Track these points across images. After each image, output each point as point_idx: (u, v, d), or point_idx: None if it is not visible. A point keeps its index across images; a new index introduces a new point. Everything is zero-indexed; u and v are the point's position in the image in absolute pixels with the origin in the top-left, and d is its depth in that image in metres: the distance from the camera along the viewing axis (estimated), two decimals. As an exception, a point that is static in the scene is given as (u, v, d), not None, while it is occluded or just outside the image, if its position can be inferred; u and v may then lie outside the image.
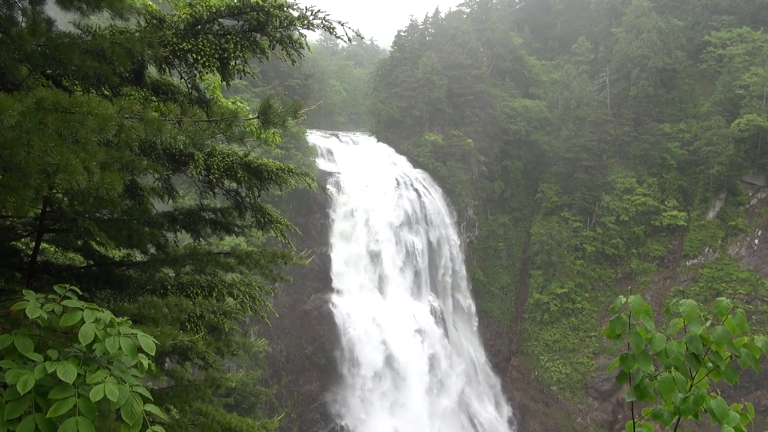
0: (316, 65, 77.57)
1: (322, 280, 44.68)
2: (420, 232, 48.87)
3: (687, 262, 53.21)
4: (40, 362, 3.20)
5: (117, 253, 8.95)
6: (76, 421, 3.06)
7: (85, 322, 3.38)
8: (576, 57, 71.62)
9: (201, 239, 8.97)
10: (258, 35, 6.75)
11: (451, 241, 52.27)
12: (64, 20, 5.95)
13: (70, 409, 3.08)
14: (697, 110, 59.38)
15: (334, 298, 44.07)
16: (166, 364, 9.15)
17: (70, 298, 3.58)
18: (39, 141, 3.77)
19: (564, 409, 51.29)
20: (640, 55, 59.92)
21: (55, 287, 3.64)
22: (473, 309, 54.46)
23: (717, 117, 54.38)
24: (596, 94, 62.05)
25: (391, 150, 57.55)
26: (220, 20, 6.65)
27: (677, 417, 3.55)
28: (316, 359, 42.73)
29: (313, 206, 46.32)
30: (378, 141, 60.31)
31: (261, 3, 6.42)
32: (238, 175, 8.30)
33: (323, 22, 6.61)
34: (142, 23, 6.47)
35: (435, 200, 52.22)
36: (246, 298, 8.80)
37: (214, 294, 8.44)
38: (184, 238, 9.09)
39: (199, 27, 6.51)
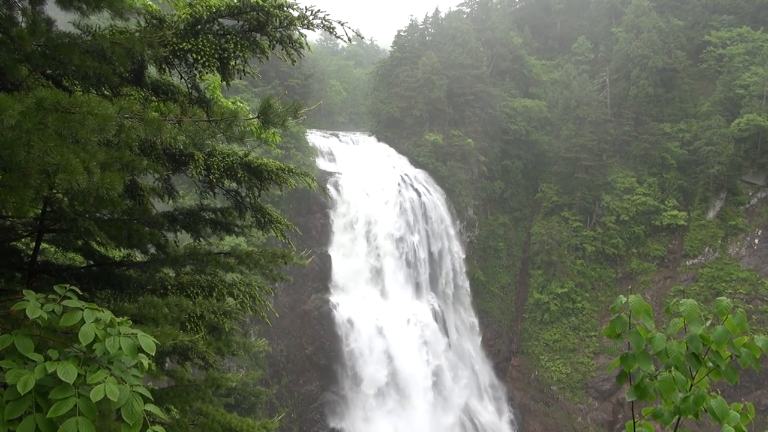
0: (316, 65, 77.57)
1: (322, 280, 44.68)
2: (420, 231, 48.88)
3: (687, 262, 53.21)
4: (41, 362, 3.20)
5: (117, 253, 8.94)
6: (77, 421, 3.06)
7: (85, 322, 3.38)
8: (576, 57, 71.62)
9: (201, 239, 8.97)
10: (258, 35, 6.74)
11: (451, 241, 52.27)
12: (64, 20, 5.95)
13: (70, 409, 3.08)
14: (697, 110, 59.38)
15: (334, 299, 44.06)
16: (167, 364, 9.15)
17: (70, 298, 3.58)
18: (39, 141, 3.77)
19: (564, 409, 51.29)
20: (640, 55, 59.92)
21: (56, 287, 3.64)
22: (473, 309, 54.46)
23: (717, 117, 54.38)
24: (596, 93, 62.05)
25: (392, 150, 57.53)
26: (220, 20, 6.64)
27: (677, 417, 3.55)
28: (316, 359, 42.73)
29: (313, 206, 46.33)
30: (378, 141, 60.33)
31: (261, 3, 6.42)
32: (238, 175, 8.30)
33: (323, 22, 6.61)
34: (142, 23, 6.47)
35: (435, 200, 52.22)
36: (246, 298, 8.80)
37: (215, 294, 8.44)
38: (185, 238, 9.09)
39: (199, 27, 6.51)
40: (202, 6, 6.46)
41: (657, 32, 60.86)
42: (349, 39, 6.75)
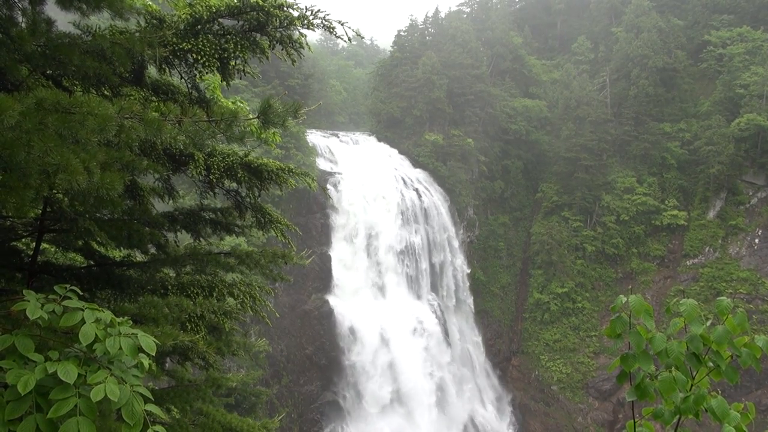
0: (316, 65, 77.57)
1: (322, 279, 44.69)
2: (420, 231, 48.89)
3: (687, 262, 53.20)
4: (41, 362, 3.20)
5: (117, 254, 8.95)
6: (77, 421, 3.06)
7: (85, 323, 3.38)
8: (576, 56, 71.62)
9: (201, 239, 8.98)
10: (258, 35, 6.75)
11: (452, 240, 52.27)
12: (64, 20, 5.95)
13: (71, 410, 3.08)
14: (697, 110, 59.37)
15: (334, 302, 44.03)
16: (167, 364, 9.15)
17: (70, 298, 3.58)
18: (39, 141, 3.77)
19: (564, 409, 51.29)
20: (640, 55, 59.91)
21: (56, 287, 3.64)
22: (473, 309, 54.46)
23: (717, 116, 54.36)
24: (596, 93, 62.04)
25: (393, 151, 57.52)
26: (220, 20, 6.65)
27: (678, 416, 3.55)
28: (316, 359, 42.73)
29: (313, 206, 46.34)
30: (378, 141, 60.33)
31: (261, 3, 6.42)
32: (239, 175, 8.30)
33: (323, 21, 6.61)
34: (142, 23, 6.47)
35: (435, 200, 52.23)
36: (246, 298, 8.80)
37: (215, 294, 8.44)
38: (185, 238, 9.09)
39: (199, 27, 6.51)
40: (202, 6, 6.46)
41: (657, 32, 60.85)
42: (349, 39, 6.75)
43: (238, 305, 8.75)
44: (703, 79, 61.98)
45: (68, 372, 3.15)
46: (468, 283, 53.99)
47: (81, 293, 3.80)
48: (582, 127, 58.53)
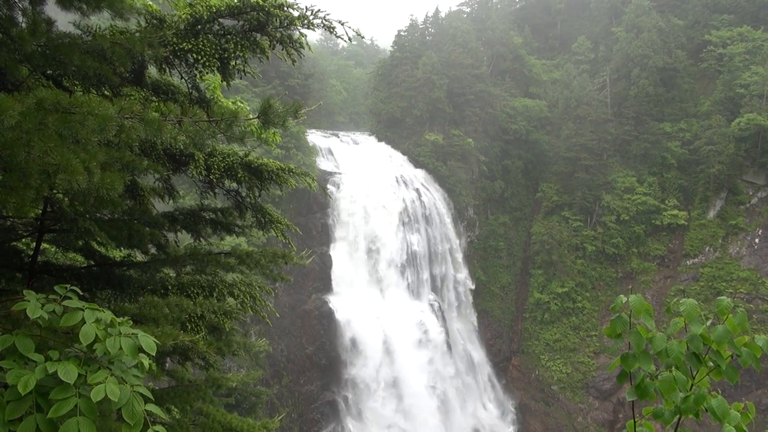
0: (317, 65, 77.59)
1: (322, 279, 44.69)
2: (420, 231, 48.88)
3: (687, 262, 53.19)
4: (41, 362, 3.20)
5: (117, 254, 8.95)
6: (77, 422, 3.06)
7: (85, 323, 3.38)
8: (576, 56, 71.60)
9: (201, 239, 8.98)
10: (258, 35, 6.75)
11: (452, 240, 52.27)
12: (64, 20, 5.95)
13: (71, 410, 3.08)
14: (697, 109, 59.36)
15: (335, 303, 44.00)
16: (167, 364, 9.15)
17: (70, 298, 3.58)
18: (39, 141, 3.77)
19: (565, 409, 51.29)
20: (641, 55, 59.90)
21: (56, 287, 3.64)
22: (474, 308, 54.46)
23: (717, 116, 54.35)
24: (596, 93, 62.03)
25: (393, 151, 57.52)
26: (221, 20, 6.65)
27: (678, 416, 3.55)
28: (316, 359, 42.74)
29: (313, 206, 46.34)
30: (378, 141, 60.33)
31: (261, 3, 6.42)
32: (239, 175, 8.30)
33: (323, 21, 6.61)
34: (143, 23, 6.47)
35: (435, 200, 52.23)
36: (247, 298, 8.80)
37: (215, 294, 8.44)
38: (185, 239, 9.09)
39: (199, 27, 6.51)
40: (202, 6, 6.46)
41: (657, 32, 60.84)
42: (350, 39, 6.75)
43: (239, 305, 8.75)
44: (703, 79, 61.97)
45: (68, 372, 3.15)
46: (468, 283, 54.00)
47: (81, 293, 3.80)
48: (582, 126, 58.53)
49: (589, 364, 51.97)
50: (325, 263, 44.92)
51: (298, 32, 6.86)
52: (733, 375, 3.51)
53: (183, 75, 6.96)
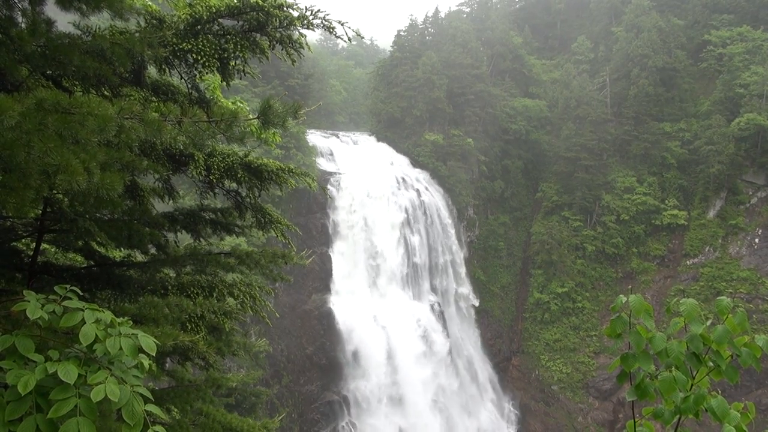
0: (316, 65, 77.59)
1: (322, 279, 44.68)
2: (420, 231, 48.88)
3: (687, 261, 53.19)
4: (41, 363, 3.20)
5: (117, 254, 8.95)
6: (78, 422, 3.06)
7: (85, 323, 3.38)
8: (576, 56, 71.61)
9: (201, 239, 8.98)
10: (258, 35, 6.75)
11: (452, 240, 52.27)
12: (64, 21, 5.95)
13: (71, 410, 3.08)
14: (697, 109, 59.37)
15: (334, 302, 43.96)
16: (167, 365, 9.15)
17: (70, 298, 3.58)
18: (39, 142, 3.77)
19: (565, 409, 51.29)
20: (640, 54, 59.91)
21: (56, 288, 3.64)
22: (474, 308, 54.46)
23: (717, 116, 54.36)
24: (596, 93, 62.04)
25: (398, 156, 57.38)
26: (220, 20, 6.65)
27: (678, 416, 3.55)
28: (316, 359, 42.74)
29: (313, 206, 46.34)
30: (378, 141, 60.33)
31: (261, 3, 6.42)
32: (239, 176, 8.30)
33: (323, 22, 6.61)
34: (142, 24, 6.47)
35: (435, 200, 52.23)
36: (246, 298, 8.80)
37: (215, 294, 8.44)
38: (185, 239, 9.09)
39: (199, 27, 6.51)
40: (202, 6, 6.46)
41: (657, 32, 60.84)
42: (349, 39, 6.75)
43: (238, 305, 8.75)
44: (703, 79, 61.97)
45: (68, 372, 3.15)
46: (468, 282, 54.01)
47: (81, 293, 3.80)
48: (582, 126, 58.54)
49: (589, 364, 51.98)
50: (325, 263, 44.92)
51: (297, 32, 6.86)
52: (733, 375, 3.51)
53: (183, 75, 6.96)
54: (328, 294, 44.38)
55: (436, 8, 71.34)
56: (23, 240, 7.77)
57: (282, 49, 6.92)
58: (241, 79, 7.74)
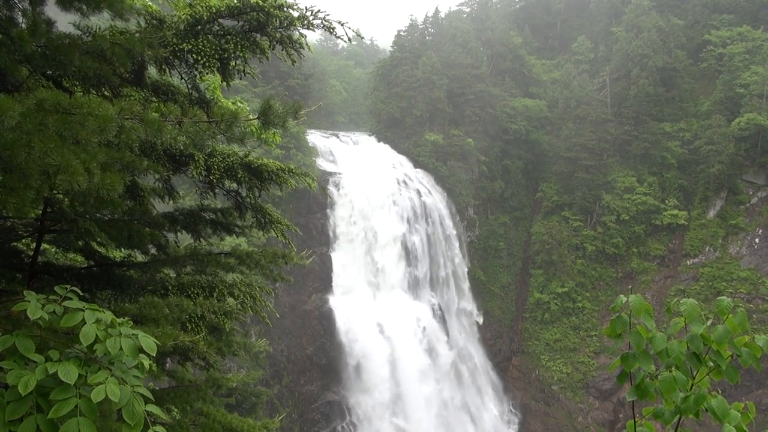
0: (316, 65, 77.59)
1: (322, 280, 44.68)
2: (420, 232, 48.86)
3: (688, 261, 53.19)
4: (42, 363, 3.20)
5: (118, 254, 8.95)
6: (78, 422, 3.06)
7: (86, 323, 3.39)
8: (576, 56, 71.62)
9: (201, 240, 8.98)
10: (258, 35, 6.75)
11: (452, 240, 52.25)
12: (64, 21, 5.95)
13: (71, 410, 3.08)
14: (697, 109, 59.37)
15: (334, 303, 43.91)
16: (167, 365, 9.16)
17: (71, 298, 3.58)
18: (39, 142, 3.77)
19: (565, 409, 51.29)
20: (640, 54, 59.91)
21: (56, 288, 3.64)
22: (474, 308, 54.45)
23: (717, 116, 54.36)
24: (596, 93, 62.03)
25: (393, 151, 57.45)
26: (220, 21, 6.65)
27: (678, 416, 3.55)
28: (316, 359, 42.75)
29: (313, 206, 46.33)
30: (378, 141, 60.31)
31: (261, 3, 6.42)
32: (239, 176, 8.31)
33: (323, 22, 6.62)
34: (142, 24, 6.48)
35: (435, 200, 52.22)
36: (247, 299, 8.80)
37: (215, 294, 8.44)
38: (185, 239, 9.09)
39: (199, 27, 6.52)
40: (202, 6, 6.47)
41: (657, 31, 60.84)
42: (349, 39, 6.75)
43: (239, 305, 8.75)
44: (703, 79, 61.97)
45: (69, 372, 3.16)
46: (468, 283, 54.00)
47: (81, 294, 3.80)
48: (582, 126, 58.54)
49: (589, 364, 51.98)
50: (325, 263, 44.92)
51: (297, 33, 6.87)
52: (733, 375, 3.51)
53: (183, 75, 6.97)
54: (328, 294, 44.37)
55: (436, 8, 71.33)
56: (23, 240, 7.77)
57: (282, 50, 6.93)
58: (241, 79, 7.74)
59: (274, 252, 8.88)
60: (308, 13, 6.61)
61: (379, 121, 62.59)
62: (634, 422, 3.83)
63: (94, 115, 4.04)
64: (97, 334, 3.36)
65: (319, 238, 45.28)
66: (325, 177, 46.80)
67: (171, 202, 8.85)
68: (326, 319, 43.02)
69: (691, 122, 58.41)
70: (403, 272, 47.11)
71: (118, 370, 3.38)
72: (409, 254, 47.48)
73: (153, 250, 8.32)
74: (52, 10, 5.75)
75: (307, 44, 7.02)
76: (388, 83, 63.70)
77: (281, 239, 9.27)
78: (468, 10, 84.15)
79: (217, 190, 8.67)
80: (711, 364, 3.52)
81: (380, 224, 46.65)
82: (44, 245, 7.98)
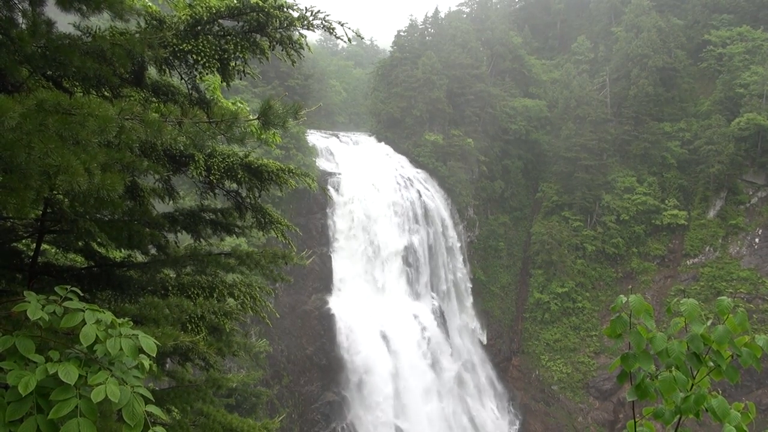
0: (316, 65, 77.60)
1: (322, 280, 44.67)
2: (420, 232, 48.86)
3: (688, 261, 53.19)
4: (42, 363, 3.21)
5: (118, 254, 8.95)
6: (78, 422, 3.06)
7: (86, 323, 3.39)
8: (576, 56, 71.62)
9: (202, 240, 8.98)
10: (258, 36, 6.75)
11: (452, 240, 52.25)
12: (64, 21, 5.95)
13: (71, 410, 3.08)
14: (697, 109, 59.37)
15: (334, 303, 43.90)
16: (167, 365, 9.16)
17: (71, 299, 3.58)
18: (40, 142, 3.77)
19: (565, 409, 51.28)
20: (640, 54, 59.92)
21: (56, 288, 3.64)
22: (474, 308, 54.45)
23: (717, 116, 54.37)
24: (596, 93, 62.03)
25: (393, 151, 57.41)
26: (220, 21, 6.65)
27: (678, 416, 3.55)
28: (316, 359, 42.74)
29: (313, 206, 46.34)
30: (378, 141, 60.31)
31: (261, 4, 6.43)
32: (239, 176, 8.31)
33: (323, 22, 6.62)
34: (142, 24, 6.48)
35: (435, 200, 52.21)
36: (247, 299, 8.80)
37: (215, 295, 8.44)
38: (185, 239, 9.10)
39: (199, 28, 6.52)
40: (202, 7, 6.47)
41: (657, 31, 60.84)
42: (349, 39, 6.75)
43: (239, 306, 8.75)
44: (703, 79, 61.97)
45: (69, 373, 3.16)
46: (469, 283, 53.99)
47: (81, 294, 3.80)
48: (582, 126, 58.54)
49: (589, 364, 51.98)
50: (325, 263, 44.91)
51: (297, 33, 6.87)
52: (733, 375, 3.52)
53: (183, 76, 6.97)
54: (328, 294, 44.37)
55: (436, 8, 71.31)
56: (24, 241, 7.78)
57: (282, 50, 6.93)
58: (241, 79, 7.75)
59: (274, 252, 8.88)
60: (308, 14, 6.61)
61: (379, 121, 62.59)
62: (635, 422, 3.83)
63: (94, 115, 4.04)
64: (97, 335, 3.36)
65: (319, 238, 45.28)
66: (324, 177, 46.80)
67: (171, 202, 8.86)
68: (326, 319, 43.02)
69: (691, 122, 58.41)
70: (403, 270, 47.08)
71: (119, 371, 3.38)
72: (409, 253, 47.47)
73: (153, 251, 8.32)
74: (52, 11, 5.75)
75: (307, 44, 7.03)
76: (387, 83, 63.69)
77: (281, 239, 9.27)
78: (468, 10, 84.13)
79: (217, 191, 8.67)
80: (711, 364, 3.52)
81: (380, 224, 46.60)
82: (44, 246, 7.98)
